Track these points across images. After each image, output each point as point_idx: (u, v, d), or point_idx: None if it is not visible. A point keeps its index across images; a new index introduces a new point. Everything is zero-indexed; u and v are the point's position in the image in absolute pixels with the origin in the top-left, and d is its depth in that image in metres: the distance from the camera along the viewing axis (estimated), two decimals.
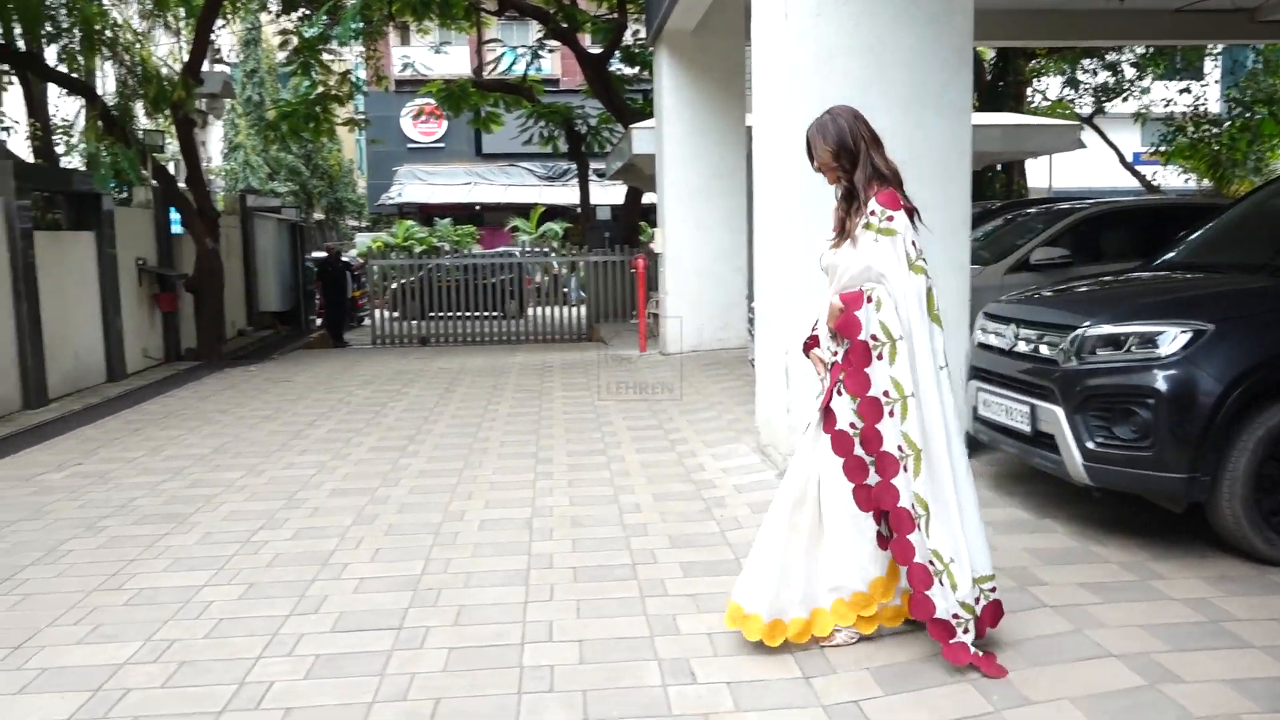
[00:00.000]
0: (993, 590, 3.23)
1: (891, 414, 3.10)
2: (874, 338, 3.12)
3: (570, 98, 20.55)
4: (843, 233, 3.25)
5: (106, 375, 10.76)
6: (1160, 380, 3.89)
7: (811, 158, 3.37)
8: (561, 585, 4.06)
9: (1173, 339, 3.93)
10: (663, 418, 7.50)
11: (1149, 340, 3.99)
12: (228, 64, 25.69)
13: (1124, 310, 4.28)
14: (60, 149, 14.76)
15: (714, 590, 3.93)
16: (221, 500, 5.55)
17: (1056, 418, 4.18)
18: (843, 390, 3.21)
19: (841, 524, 3.26)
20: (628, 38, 16.89)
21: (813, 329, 3.42)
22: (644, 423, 7.36)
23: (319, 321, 18.35)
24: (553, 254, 17.34)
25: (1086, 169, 24.32)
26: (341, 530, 4.91)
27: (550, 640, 3.53)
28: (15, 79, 13.99)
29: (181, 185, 13.24)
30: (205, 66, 13.95)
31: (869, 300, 3.13)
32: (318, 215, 31.54)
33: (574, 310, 15.75)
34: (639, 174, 14.54)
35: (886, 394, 3.11)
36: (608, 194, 24.87)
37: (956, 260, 5.39)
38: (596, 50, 16.39)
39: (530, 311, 15.65)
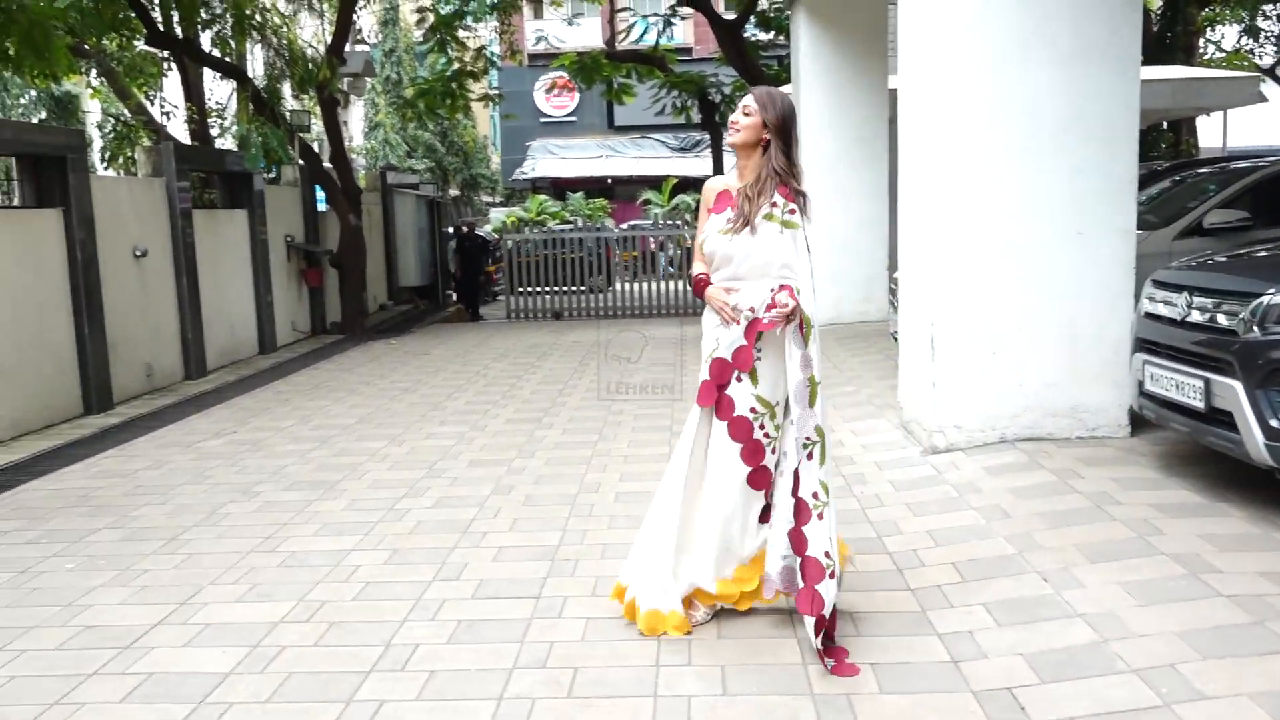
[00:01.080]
0: None
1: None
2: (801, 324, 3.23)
3: (703, 66, 20.38)
4: (742, 221, 3.26)
5: (258, 348, 11.37)
6: None
7: (732, 118, 3.35)
8: None
9: None
10: None
11: None
12: (368, 44, 26.63)
13: None
14: (214, 131, 15.61)
15: (854, 568, 3.86)
16: (366, 469, 5.79)
17: (1235, 393, 3.91)
18: (742, 377, 3.30)
19: (725, 509, 3.31)
20: (763, 1, 16.61)
21: (699, 273, 3.42)
22: None
23: (454, 296, 18.90)
24: (684, 226, 17.29)
25: (1266, 125, 22.57)
26: (480, 500, 5.05)
27: (694, 609, 3.53)
28: (174, 65, 14.86)
29: (326, 164, 13.81)
30: (348, 47, 14.48)
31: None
32: (453, 191, 32.40)
33: None
34: None
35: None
36: None
37: (1121, 225, 5.09)
38: (731, 16, 16.18)
39: (617, 286, 15.70)
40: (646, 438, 6.25)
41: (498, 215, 28.24)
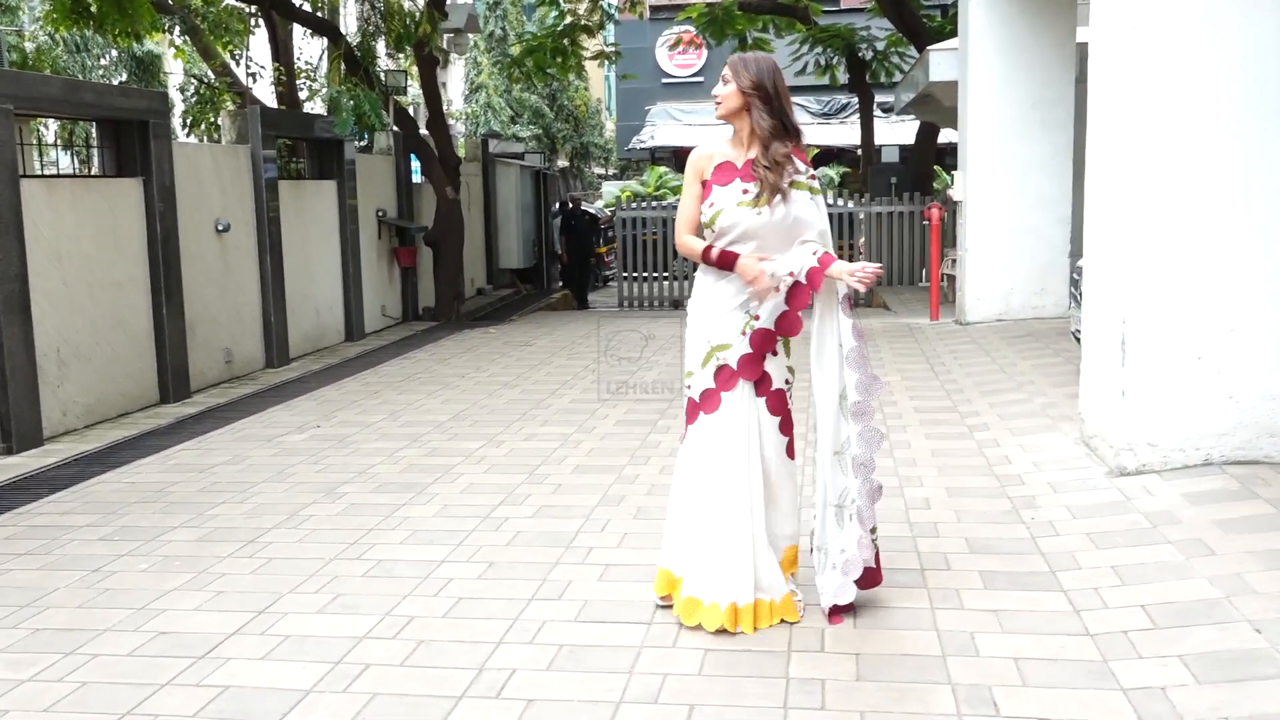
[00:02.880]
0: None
1: None
2: None
3: (853, 18, 20.18)
4: (772, 190, 3.61)
5: (345, 335, 11.79)
6: None
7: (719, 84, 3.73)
8: None
9: None
10: (958, 398, 7.26)
11: None
12: None
13: None
14: (303, 94, 16.23)
15: (1021, 607, 3.78)
16: (460, 471, 5.94)
17: None
18: (778, 350, 3.76)
19: (784, 482, 3.81)
20: None
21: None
22: (934, 403, 7.15)
23: (560, 280, 19.17)
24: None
25: None
26: (586, 511, 5.12)
27: (821, 650, 3.51)
28: (261, 21, 15.51)
29: (422, 130, 14.19)
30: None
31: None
32: (561, 162, 32.88)
33: None
34: (936, 107, 14.05)
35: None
36: (895, 132, 24.21)
37: None
38: None
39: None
40: None
41: (610, 189, 28.52)
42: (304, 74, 16.48)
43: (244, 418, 7.72)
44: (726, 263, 3.65)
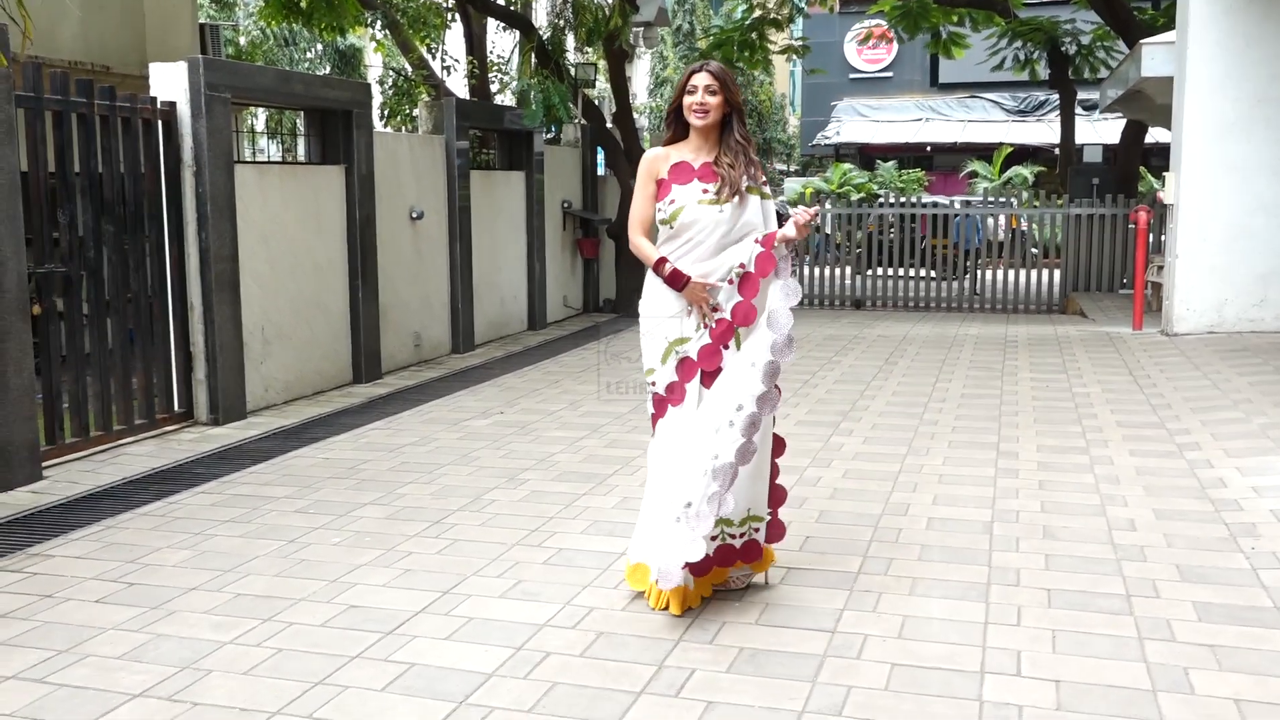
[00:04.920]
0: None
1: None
2: None
3: (1056, 11, 19.30)
4: (732, 188, 3.87)
5: (527, 323, 12.01)
6: None
7: (701, 95, 3.91)
8: (1031, 609, 3.84)
9: None
10: (1165, 414, 6.85)
11: None
12: None
13: None
14: (495, 86, 16.64)
15: (1242, 644, 3.51)
16: (639, 464, 5.93)
17: None
18: (729, 345, 3.91)
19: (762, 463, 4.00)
20: None
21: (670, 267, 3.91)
22: (1140, 418, 6.76)
23: None
24: (1015, 204, 16.36)
25: None
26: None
27: (1018, 675, 3.34)
28: (457, 16, 15.97)
29: (609, 124, 14.32)
30: None
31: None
32: None
33: (1043, 275, 14.92)
34: (1146, 104, 13.32)
35: None
36: (1097, 131, 23.15)
37: None
38: None
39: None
40: (967, 454, 5.99)
41: (793, 186, 28.20)
42: (496, 67, 16.88)
43: (431, 401, 7.94)
44: (676, 283, 3.88)
